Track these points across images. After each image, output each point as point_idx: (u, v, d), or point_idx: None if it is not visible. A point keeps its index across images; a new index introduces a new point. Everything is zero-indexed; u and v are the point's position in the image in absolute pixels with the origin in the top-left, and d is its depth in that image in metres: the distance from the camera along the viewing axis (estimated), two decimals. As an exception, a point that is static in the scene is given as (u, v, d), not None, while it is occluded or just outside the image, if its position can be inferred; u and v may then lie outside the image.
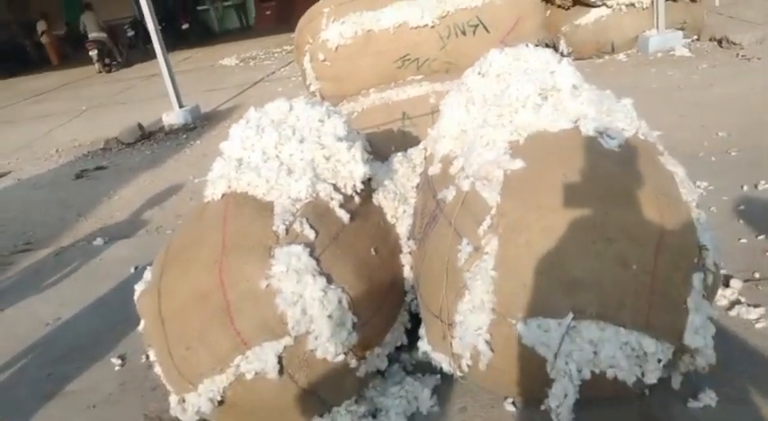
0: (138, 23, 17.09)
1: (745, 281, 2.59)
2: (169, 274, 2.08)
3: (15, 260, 4.41)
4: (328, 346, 1.94)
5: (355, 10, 3.73)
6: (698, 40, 7.36)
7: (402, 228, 2.46)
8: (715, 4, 7.48)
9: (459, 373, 2.06)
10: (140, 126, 7.63)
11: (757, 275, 2.64)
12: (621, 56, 7.33)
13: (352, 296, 2.02)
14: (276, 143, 2.30)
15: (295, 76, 9.64)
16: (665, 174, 2.04)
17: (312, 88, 4.02)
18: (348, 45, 3.71)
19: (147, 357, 2.77)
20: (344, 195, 2.28)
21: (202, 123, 7.87)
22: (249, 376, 1.92)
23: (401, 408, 2.16)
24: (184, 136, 7.43)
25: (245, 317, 1.92)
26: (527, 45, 2.45)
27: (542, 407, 2.00)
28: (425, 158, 2.62)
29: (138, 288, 2.24)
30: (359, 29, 3.70)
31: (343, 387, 2.09)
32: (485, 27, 3.66)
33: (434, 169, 2.37)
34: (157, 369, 2.14)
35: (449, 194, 2.13)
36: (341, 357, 1.99)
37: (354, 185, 2.32)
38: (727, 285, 2.54)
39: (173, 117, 7.94)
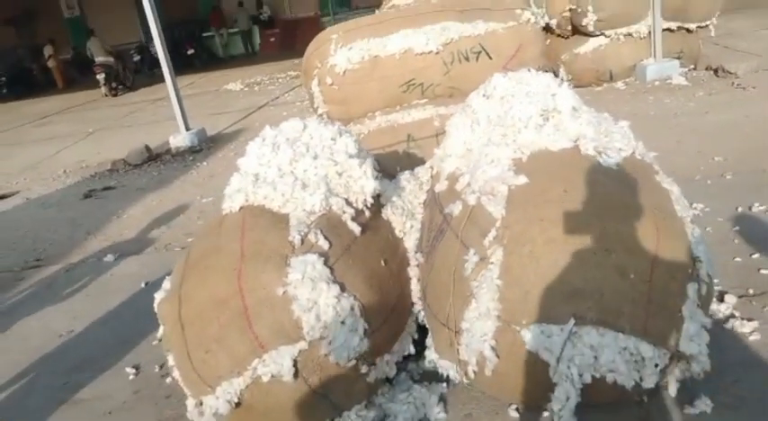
0: (144, 49, 17.47)
1: (740, 296, 2.69)
2: (189, 282, 2.18)
3: (26, 275, 4.51)
4: (341, 351, 2.04)
5: (363, 36, 3.88)
6: (694, 69, 7.56)
7: (410, 241, 2.57)
8: (711, 34, 7.67)
9: (465, 379, 2.15)
10: (147, 148, 7.78)
11: (751, 291, 2.74)
12: (620, 84, 7.51)
13: (364, 304, 2.12)
14: (291, 159, 2.42)
15: (299, 102, 9.84)
16: (661, 191, 2.16)
17: (320, 111, 4.14)
18: (355, 70, 3.84)
19: (161, 367, 2.91)
20: (356, 209, 2.39)
21: (208, 146, 8.02)
22: (265, 379, 2.01)
23: (409, 414, 2.25)
24: (191, 158, 7.56)
25: (263, 322, 2.01)
26: (529, 70, 2.58)
27: (545, 414, 2.11)
28: (432, 176, 2.73)
29: (158, 296, 2.34)
30: (366, 54, 3.84)
31: (353, 392, 2.18)
32: (487, 54, 3.80)
33: (441, 186, 2.49)
34: (176, 373, 2.23)
35: (455, 208, 2.24)
36: (352, 362, 2.09)
37: (365, 200, 2.43)
38: (722, 300, 2.65)
39: (179, 139, 8.09)
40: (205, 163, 7.20)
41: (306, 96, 9.74)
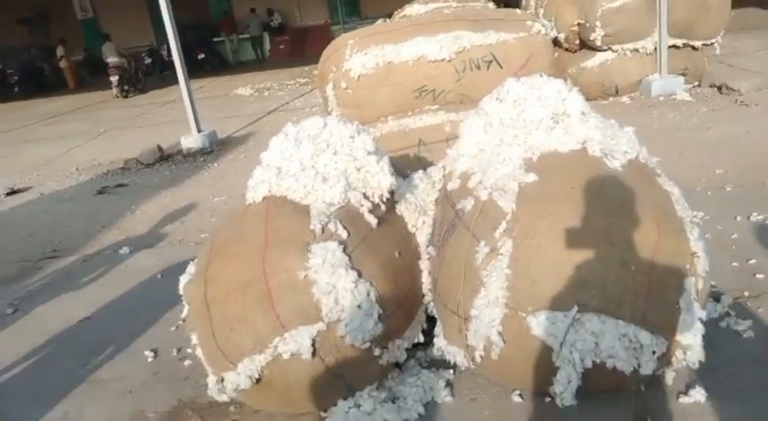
0: (155, 52, 17.69)
1: (736, 298, 2.82)
2: (215, 265, 2.32)
3: (44, 265, 4.64)
4: (356, 334, 2.17)
5: (378, 43, 4.02)
6: (699, 85, 7.70)
7: (422, 236, 2.70)
8: (716, 52, 7.82)
9: (472, 365, 2.28)
10: (160, 148, 7.93)
11: (746, 294, 2.87)
12: (625, 98, 7.65)
13: (379, 291, 2.25)
14: (312, 154, 2.56)
15: (308, 108, 10.00)
16: (662, 192, 2.30)
17: (333, 114, 4.28)
18: (369, 75, 3.98)
19: (179, 351, 3.03)
20: (373, 203, 2.52)
21: (219, 148, 8.17)
22: (285, 356, 2.13)
23: (418, 396, 2.37)
24: (201, 159, 7.71)
25: (285, 303, 2.14)
26: (541, 75, 2.72)
27: (547, 399, 2.23)
28: (444, 175, 2.86)
29: (183, 279, 2.47)
30: (380, 60, 3.97)
31: (366, 373, 2.31)
32: (498, 63, 3.94)
33: (453, 184, 2.62)
34: (197, 353, 2.36)
35: (467, 204, 2.37)
36: (366, 345, 2.22)
37: (382, 195, 2.57)
38: (718, 301, 2.77)
39: (191, 141, 8.25)
40: (216, 164, 7.34)
41: (315, 103, 10.00)
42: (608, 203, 2.12)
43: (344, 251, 2.24)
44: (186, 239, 4.81)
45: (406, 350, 2.50)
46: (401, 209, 2.74)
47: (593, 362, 2.02)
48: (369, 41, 4.07)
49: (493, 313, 2.11)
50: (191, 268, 2.50)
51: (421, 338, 2.57)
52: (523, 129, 2.46)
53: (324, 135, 2.68)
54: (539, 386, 2.19)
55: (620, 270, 2.01)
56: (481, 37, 3.90)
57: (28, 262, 4.76)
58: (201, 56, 18.71)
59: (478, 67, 3.97)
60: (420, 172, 3.00)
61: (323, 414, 2.37)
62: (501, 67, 3.94)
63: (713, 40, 7.58)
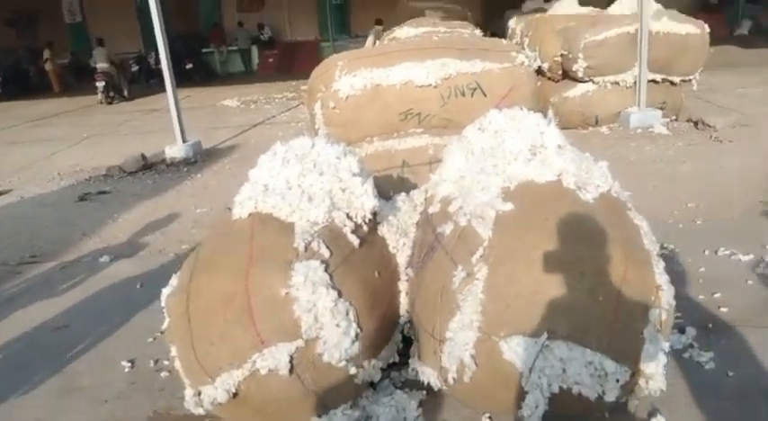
0: (143, 59, 17.67)
1: (699, 330, 2.93)
2: (198, 279, 2.37)
3: (23, 270, 4.63)
4: (333, 352, 2.23)
5: (367, 66, 4.12)
6: (676, 120, 7.92)
7: (402, 258, 2.78)
8: (693, 88, 8.06)
9: (444, 386, 2.35)
10: (143, 156, 7.94)
11: (710, 326, 2.98)
12: (604, 128, 7.85)
13: (358, 310, 2.32)
14: (299, 174, 2.63)
15: (295, 122, 10.08)
16: (632, 225, 2.40)
17: (320, 132, 4.37)
18: (357, 96, 4.08)
19: (156, 362, 3.06)
20: (356, 223, 2.60)
21: (203, 158, 8.19)
22: (263, 372, 2.18)
23: (390, 416, 2.43)
24: (185, 169, 7.73)
25: (266, 319, 2.20)
26: (521, 108, 2.83)
27: (515, 421, 2.30)
28: (426, 199, 2.95)
29: (166, 291, 2.51)
30: (369, 82, 4.08)
31: (342, 391, 2.36)
32: (482, 91, 4.06)
33: (434, 208, 2.71)
34: (177, 363, 2.40)
35: (447, 228, 2.46)
36: (343, 363, 2.27)
37: (365, 216, 2.64)
38: (683, 332, 2.88)
39: (175, 150, 8.27)
40: (200, 175, 7.37)
41: (302, 118, 10.07)
42: (580, 234, 2.22)
43: (326, 270, 2.30)
44: (167, 249, 4.83)
45: (382, 369, 2.56)
46: (383, 230, 2.82)
47: (560, 388, 2.10)
48: (358, 64, 4.17)
49: (467, 336, 2.18)
50: (173, 280, 2.54)
51: (396, 358, 2.64)
52: (503, 159, 2.56)
53: (311, 155, 2.76)
54: (507, 409, 2.26)
55: (589, 299, 2.10)
56: (467, 65, 4.03)
57: (6, 266, 4.75)
58: (189, 66, 18.70)
59: (463, 94, 4.09)
60: (403, 194, 3.09)
61: (297, 430, 2.42)
62: (485, 96, 4.06)
63: (691, 77, 7.81)
